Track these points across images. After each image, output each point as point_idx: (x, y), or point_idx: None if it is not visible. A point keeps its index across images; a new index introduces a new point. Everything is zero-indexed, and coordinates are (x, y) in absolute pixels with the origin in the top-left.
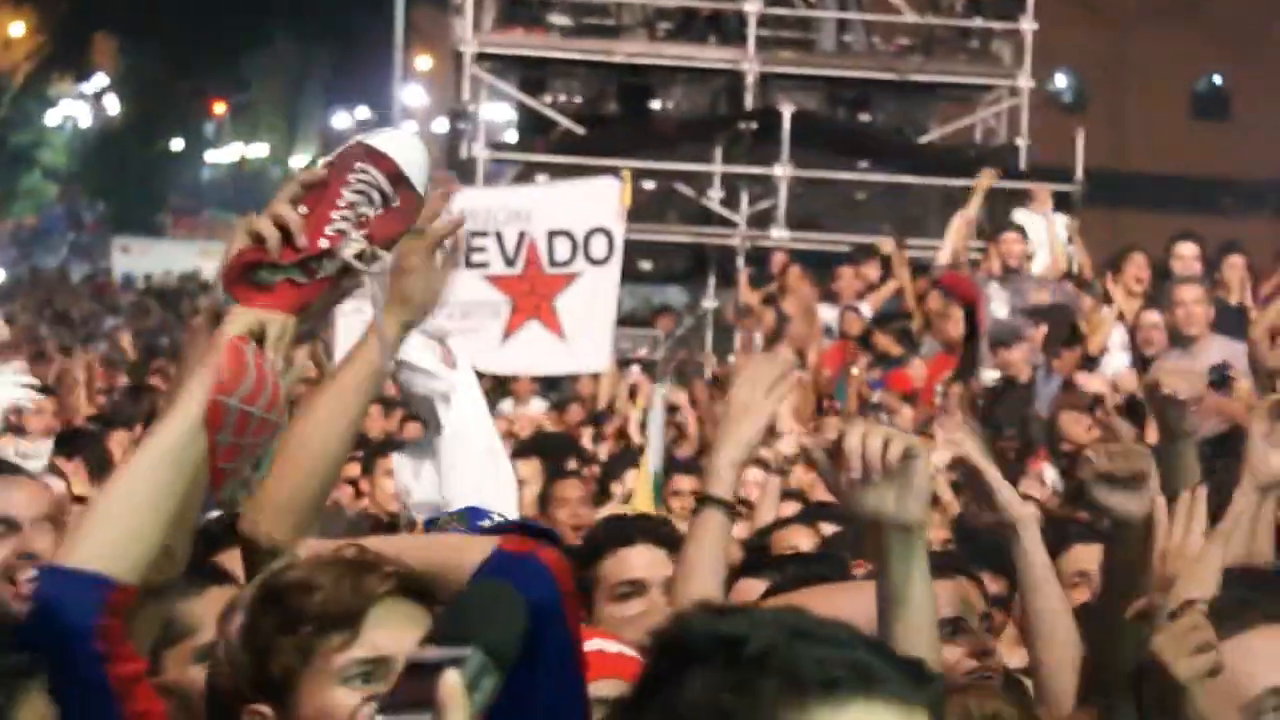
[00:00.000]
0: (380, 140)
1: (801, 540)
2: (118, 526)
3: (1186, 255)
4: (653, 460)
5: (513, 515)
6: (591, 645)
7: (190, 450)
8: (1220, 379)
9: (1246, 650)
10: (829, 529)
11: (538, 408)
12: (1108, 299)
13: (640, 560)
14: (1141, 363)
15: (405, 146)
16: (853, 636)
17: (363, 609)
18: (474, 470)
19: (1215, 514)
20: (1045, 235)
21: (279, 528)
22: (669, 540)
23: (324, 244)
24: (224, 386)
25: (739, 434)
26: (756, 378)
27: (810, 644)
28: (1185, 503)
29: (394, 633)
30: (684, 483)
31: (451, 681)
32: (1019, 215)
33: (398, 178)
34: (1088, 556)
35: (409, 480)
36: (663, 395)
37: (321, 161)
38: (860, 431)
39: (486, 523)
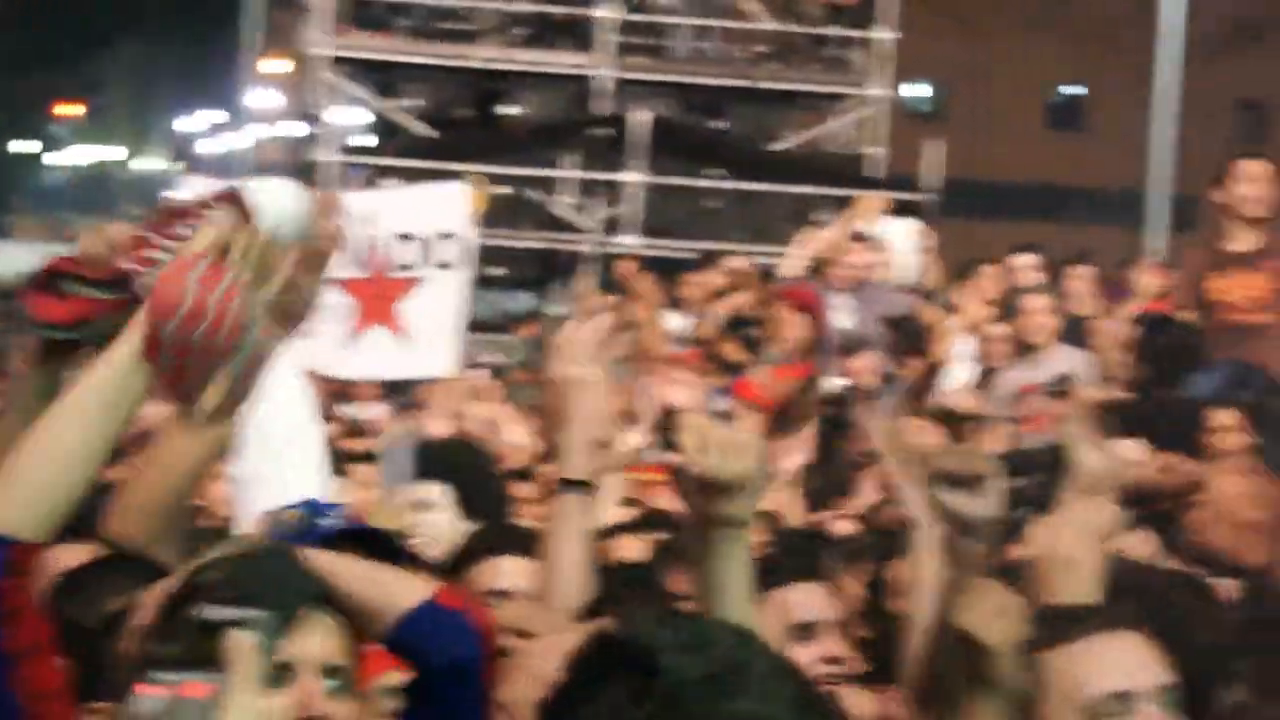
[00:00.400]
0: (256, 189)
1: (632, 550)
2: (28, 481)
3: (1023, 266)
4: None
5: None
6: None
7: (124, 388)
8: (1061, 390)
9: (1089, 655)
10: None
11: (379, 411)
12: (954, 309)
13: (507, 569)
14: (986, 373)
15: (278, 200)
16: (778, 688)
17: None
18: (267, 454)
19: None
20: (908, 244)
21: (137, 529)
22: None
23: (126, 265)
24: (157, 314)
25: (578, 409)
26: (575, 350)
27: (724, 687)
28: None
29: (303, 641)
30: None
31: (242, 642)
32: (878, 223)
33: None
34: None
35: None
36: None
37: (193, 192)
38: (707, 434)
39: (328, 520)
